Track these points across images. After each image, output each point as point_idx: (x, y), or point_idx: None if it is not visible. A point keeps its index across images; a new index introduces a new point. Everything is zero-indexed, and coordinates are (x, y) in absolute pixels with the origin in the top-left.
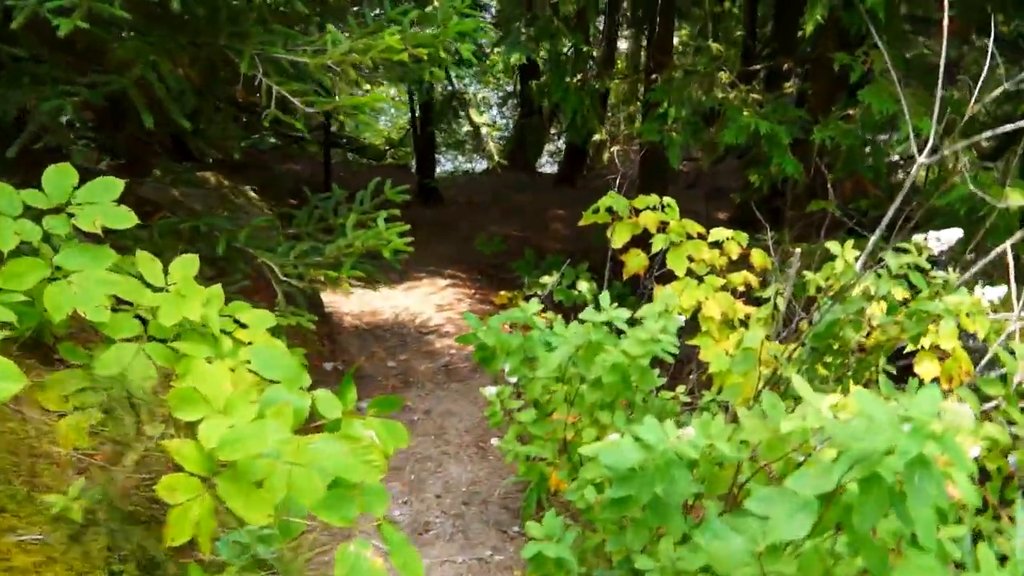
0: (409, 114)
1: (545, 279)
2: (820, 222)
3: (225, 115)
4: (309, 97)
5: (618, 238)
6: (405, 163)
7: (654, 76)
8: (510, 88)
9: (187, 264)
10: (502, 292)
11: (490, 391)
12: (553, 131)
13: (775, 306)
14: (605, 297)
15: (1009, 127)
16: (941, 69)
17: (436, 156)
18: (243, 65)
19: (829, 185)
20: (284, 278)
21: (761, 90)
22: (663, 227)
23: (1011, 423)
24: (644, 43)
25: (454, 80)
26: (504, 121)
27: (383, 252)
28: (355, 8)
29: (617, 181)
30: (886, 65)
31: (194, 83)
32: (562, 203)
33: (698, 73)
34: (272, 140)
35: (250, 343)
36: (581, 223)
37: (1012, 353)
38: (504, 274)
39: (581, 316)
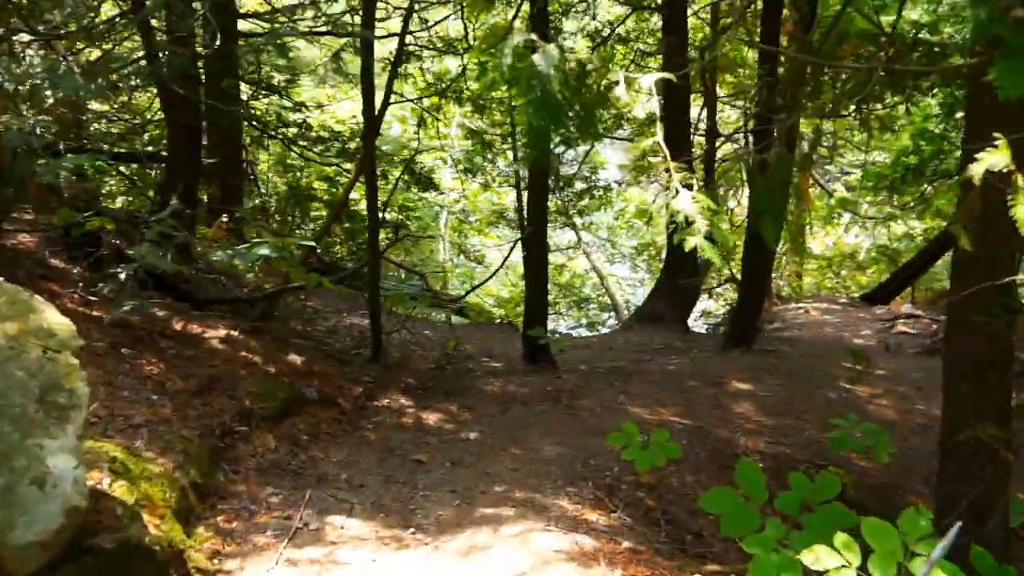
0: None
1: (809, 557)
2: None
3: None
4: None
5: None
6: (511, 321)
7: None
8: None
9: None
10: None
11: None
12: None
13: None
14: None
15: None
16: None
17: (550, 308)
18: None
19: None
20: None
21: None
22: None
23: None
24: None
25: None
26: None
27: None
28: None
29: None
30: None
31: None
32: (743, 372)
33: None
34: (325, 283)
35: None
36: None
37: None
38: (678, 509)
39: None
